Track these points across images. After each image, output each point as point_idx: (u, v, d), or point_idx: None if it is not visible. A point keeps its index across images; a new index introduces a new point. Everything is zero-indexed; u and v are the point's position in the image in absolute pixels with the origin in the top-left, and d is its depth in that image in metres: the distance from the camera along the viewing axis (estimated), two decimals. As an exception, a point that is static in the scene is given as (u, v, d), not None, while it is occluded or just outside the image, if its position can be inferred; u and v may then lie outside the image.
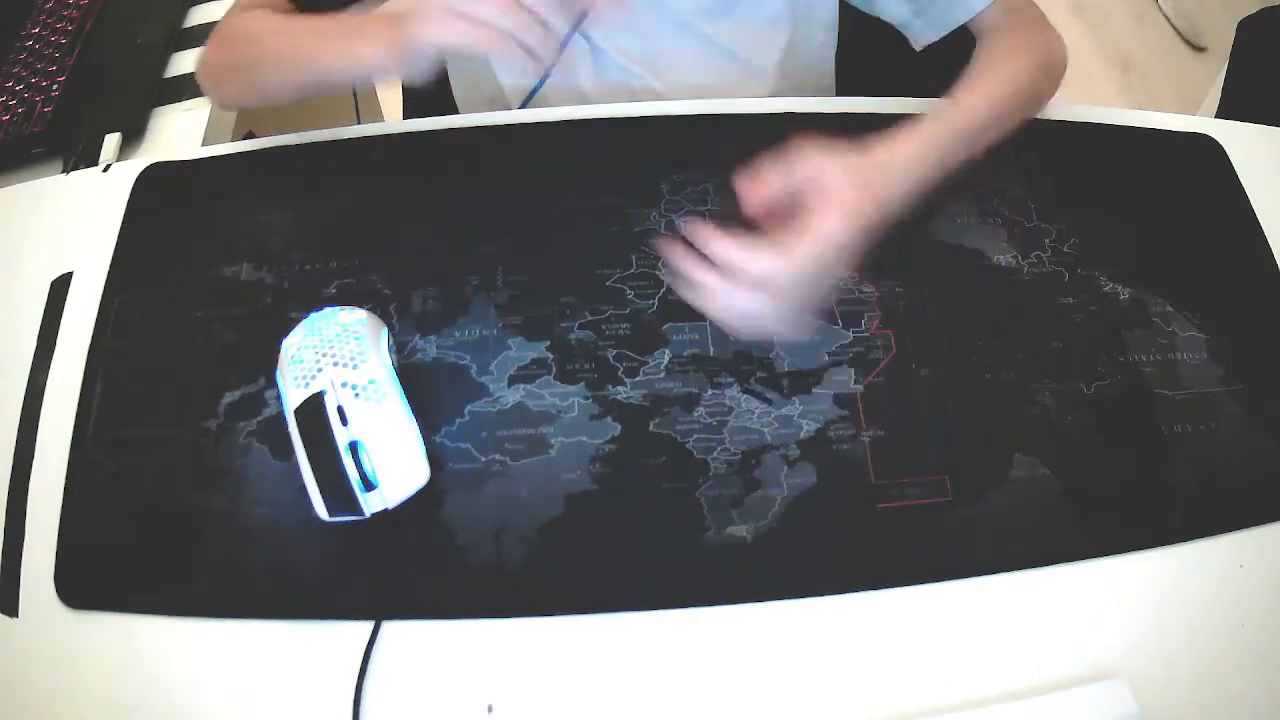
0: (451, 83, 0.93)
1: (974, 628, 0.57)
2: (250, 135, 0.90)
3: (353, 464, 0.56)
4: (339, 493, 0.55)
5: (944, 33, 0.76)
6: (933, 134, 0.64)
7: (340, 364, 0.57)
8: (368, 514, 0.57)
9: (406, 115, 1.10)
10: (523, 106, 0.84)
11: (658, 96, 0.82)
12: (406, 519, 0.58)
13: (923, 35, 0.77)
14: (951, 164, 0.64)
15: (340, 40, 0.65)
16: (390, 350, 0.60)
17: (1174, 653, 0.57)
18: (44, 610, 0.57)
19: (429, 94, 1.00)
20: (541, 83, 0.83)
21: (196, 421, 0.61)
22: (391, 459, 0.57)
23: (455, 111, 0.94)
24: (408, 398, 0.59)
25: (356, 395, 0.56)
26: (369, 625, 0.56)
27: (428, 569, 0.58)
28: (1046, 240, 0.71)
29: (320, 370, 0.57)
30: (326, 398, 0.57)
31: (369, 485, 0.56)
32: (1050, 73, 0.73)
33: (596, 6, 0.65)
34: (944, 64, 0.78)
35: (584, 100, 0.82)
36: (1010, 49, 0.71)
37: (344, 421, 0.56)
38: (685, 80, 0.83)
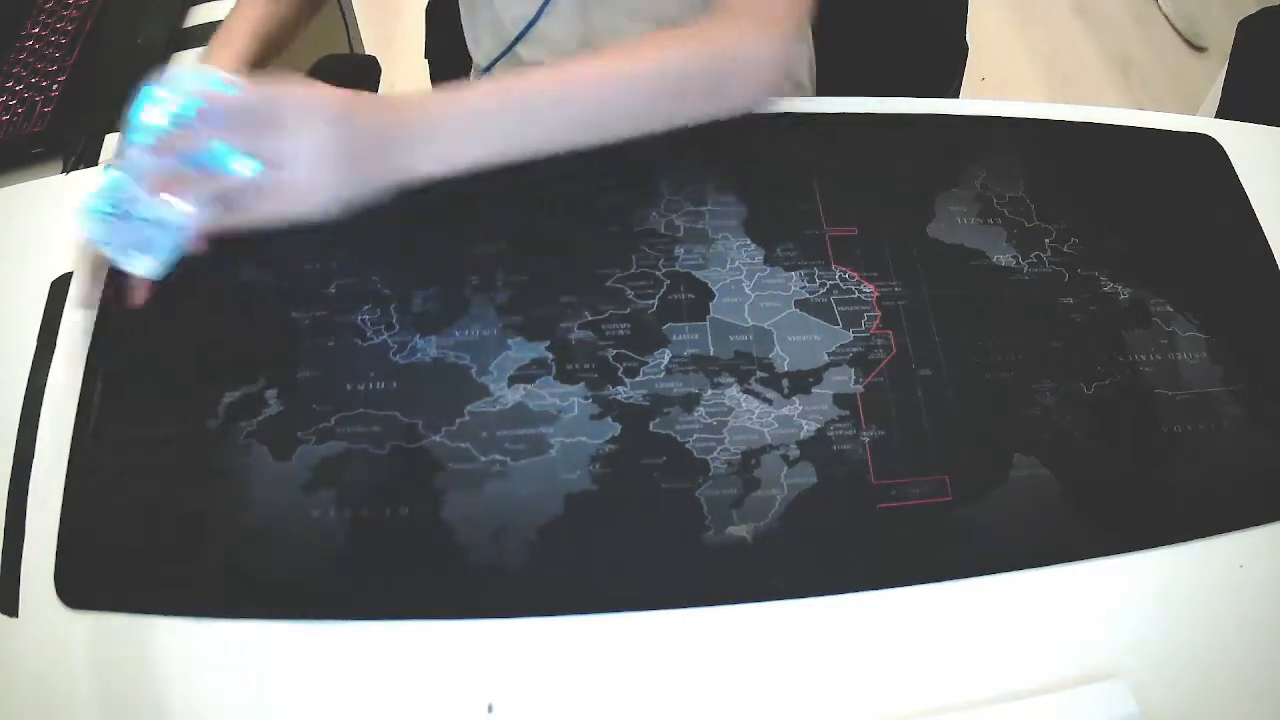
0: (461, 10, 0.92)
1: (974, 628, 0.57)
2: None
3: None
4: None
5: None
6: (483, 93, 0.60)
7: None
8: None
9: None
10: (518, 39, 0.82)
11: None
12: (407, 519, 0.58)
13: None
14: (522, 129, 0.60)
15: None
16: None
17: (1174, 653, 0.57)
18: (44, 610, 0.57)
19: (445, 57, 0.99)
20: (535, 18, 0.81)
21: (196, 421, 0.61)
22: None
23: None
24: (409, 397, 0.59)
25: None
26: (369, 625, 0.56)
27: (428, 569, 0.58)
28: (1046, 240, 0.71)
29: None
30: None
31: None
32: (720, 75, 0.64)
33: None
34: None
35: None
36: (665, 37, 0.64)
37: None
38: None
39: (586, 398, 0.63)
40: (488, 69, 0.88)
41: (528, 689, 0.55)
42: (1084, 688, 0.55)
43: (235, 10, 0.75)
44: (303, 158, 0.54)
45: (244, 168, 0.53)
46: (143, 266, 0.57)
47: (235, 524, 0.58)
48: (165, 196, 0.54)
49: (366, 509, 0.59)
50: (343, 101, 0.55)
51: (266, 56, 0.74)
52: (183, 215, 0.55)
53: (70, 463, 0.61)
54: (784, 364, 0.65)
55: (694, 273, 0.68)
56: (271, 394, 0.62)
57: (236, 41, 0.72)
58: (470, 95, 0.60)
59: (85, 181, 0.76)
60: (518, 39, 0.82)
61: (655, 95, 0.63)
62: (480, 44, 0.89)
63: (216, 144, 0.53)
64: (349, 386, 0.63)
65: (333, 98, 0.55)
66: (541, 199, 0.71)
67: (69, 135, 0.82)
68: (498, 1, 0.84)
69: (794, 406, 0.63)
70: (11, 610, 0.57)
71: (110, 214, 0.56)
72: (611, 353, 0.65)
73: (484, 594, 0.58)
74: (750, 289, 0.68)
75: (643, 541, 0.59)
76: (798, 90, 0.90)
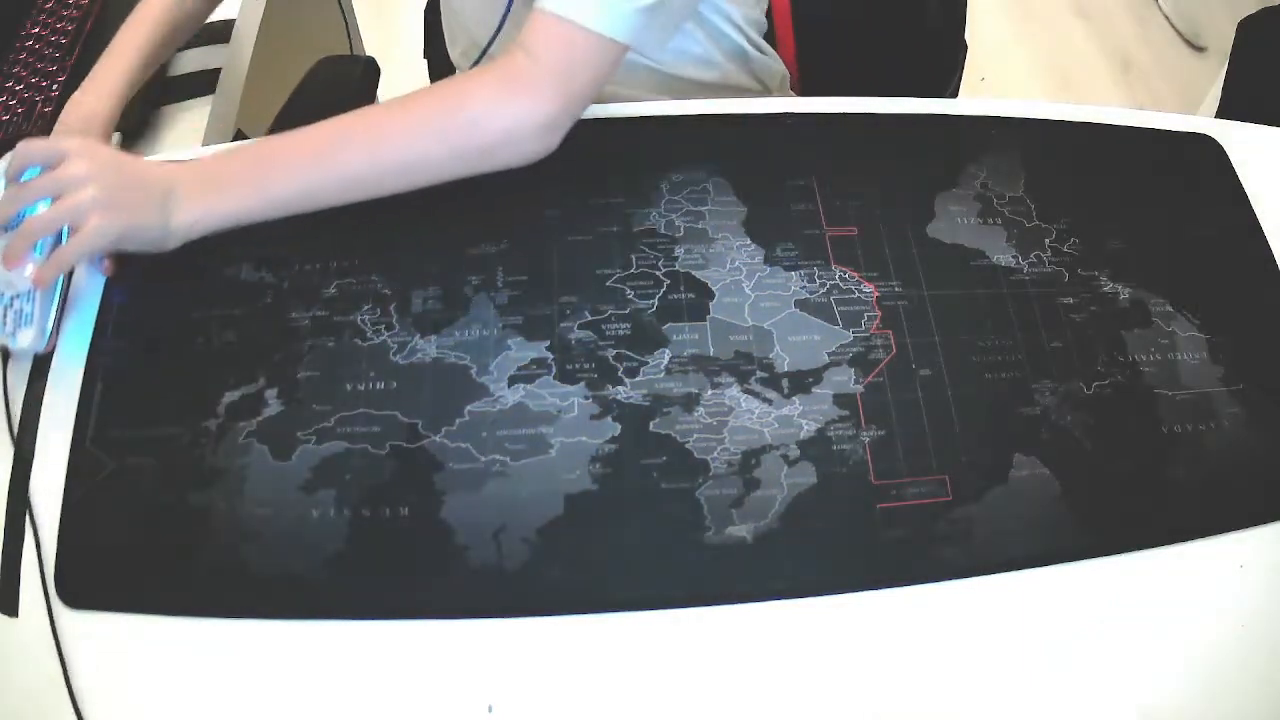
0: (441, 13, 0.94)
1: (974, 628, 0.57)
2: (240, 136, 0.90)
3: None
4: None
5: None
6: (225, 161, 0.66)
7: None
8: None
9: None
10: (489, 45, 0.83)
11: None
12: (407, 519, 0.58)
13: None
14: (274, 184, 0.65)
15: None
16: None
17: (1174, 654, 0.57)
18: (44, 610, 0.57)
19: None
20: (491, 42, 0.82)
21: (196, 421, 0.61)
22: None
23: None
24: (409, 397, 0.59)
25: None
26: (369, 625, 0.56)
27: (428, 569, 0.58)
28: (1046, 240, 0.71)
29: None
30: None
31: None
32: (453, 143, 0.66)
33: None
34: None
35: None
36: (419, 100, 0.66)
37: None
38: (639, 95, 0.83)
39: (586, 398, 0.63)
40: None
41: (528, 689, 0.55)
42: (1084, 690, 0.55)
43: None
44: (85, 177, 0.61)
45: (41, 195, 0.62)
46: (27, 339, 0.63)
47: (235, 524, 0.58)
48: (11, 270, 0.62)
49: (366, 509, 0.59)
50: (112, 150, 0.66)
51: (172, 44, 0.79)
52: (26, 279, 0.62)
53: (70, 463, 0.61)
54: (784, 364, 0.65)
55: (694, 273, 0.68)
56: (271, 394, 0.62)
57: (139, 35, 0.75)
58: (229, 150, 0.67)
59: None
60: (489, 45, 0.83)
61: (405, 158, 0.66)
62: (456, 43, 0.90)
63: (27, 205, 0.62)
64: (349, 386, 0.63)
65: (105, 145, 0.67)
66: (541, 199, 0.71)
67: (69, 135, 0.82)
68: (467, 11, 0.85)
69: (794, 406, 0.63)
70: (11, 610, 0.57)
71: None
72: (611, 353, 0.65)
73: (484, 594, 0.58)
74: (750, 289, 0.68)
75: (643, 541, 0.59)
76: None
